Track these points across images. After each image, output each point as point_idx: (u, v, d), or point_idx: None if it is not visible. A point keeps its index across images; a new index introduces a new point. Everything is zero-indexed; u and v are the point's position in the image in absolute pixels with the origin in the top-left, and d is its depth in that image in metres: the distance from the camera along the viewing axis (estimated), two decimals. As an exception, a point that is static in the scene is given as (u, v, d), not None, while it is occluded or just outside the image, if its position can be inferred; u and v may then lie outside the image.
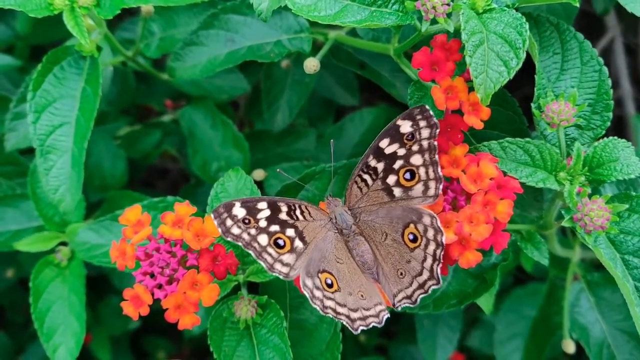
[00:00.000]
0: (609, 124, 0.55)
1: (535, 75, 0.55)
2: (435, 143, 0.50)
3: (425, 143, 0.50)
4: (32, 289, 0.70)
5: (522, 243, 0.59)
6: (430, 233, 0.49)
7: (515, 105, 0.58)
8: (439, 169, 0.50)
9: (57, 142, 0.64)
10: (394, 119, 0.51)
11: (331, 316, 0.51)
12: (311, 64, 0.62)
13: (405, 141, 0.50)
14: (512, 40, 0.46)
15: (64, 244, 0.73)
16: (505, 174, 0.51)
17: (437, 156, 0.50)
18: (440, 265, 0.50)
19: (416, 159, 0.50)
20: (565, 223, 0.50)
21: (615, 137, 0.52)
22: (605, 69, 0.55)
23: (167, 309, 0.52)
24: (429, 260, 0.50)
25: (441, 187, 0.50)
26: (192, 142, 0.83)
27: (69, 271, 0.71)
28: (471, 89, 0.50)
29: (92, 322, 0.96)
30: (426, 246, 0.50)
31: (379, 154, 0.51)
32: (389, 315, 0.51)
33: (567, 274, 0.73)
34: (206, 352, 1.08)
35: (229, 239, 0.50)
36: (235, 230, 0.50)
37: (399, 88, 0.72)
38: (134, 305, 0.52)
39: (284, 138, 0.88)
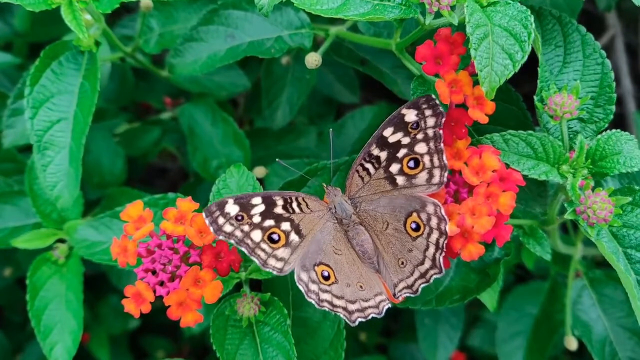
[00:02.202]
0: (611, 117, 0.55)
1: (538, 68, 0.55)
2: (441, 131, 0.49)
3: (430, 131, 0.49)
4: (29, 287, 0.70)
5: (525, 238, 0.59)
6: (434, 222, 0.49)
7: (519, 101, 0.58)
8: (444, 157, 0.49)
9: (54, 138, 0.64)
10: (397, 109, 0.50)
11: (327, 309, 0.50)
12: (312, 59, 0.61)
13: (410, 130, 0.50)
14: (517, 33, 0.45)
15: (61, 241, 0.73)
16: (507, 166, 0.51)
17: (442, 144, 0.50)
18: (443, 254, 0.49)
19: (421, 147, 0.50)
20: (568, 216, 0.50)
21: (618, 130, 0.52)
22: (607, 61, 0.55)
23: (169, 306, 0.51)
24: (432, 249, 0.50)
25: (446, 174, 0.50)
26: (192, 140, 0.83)
27: (66, 269, 0.71)
28: (476, 83, 0.50)
29: (90, 322, 0.96)
30: (429, 235, 0.50)
31: (383, 143, 0.51)
32: (389, 305, 0.51)
33: (569, 271, 0.73)
34: (205, 351, 1.08)
35: (220, 237, 0.50)
36: (228, 228, 0.49)
37: (401, 84, 0.72)
38: (135, 302, 0.51)
39: (284, 136, 0.88)
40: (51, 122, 0.64)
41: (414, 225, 0.50)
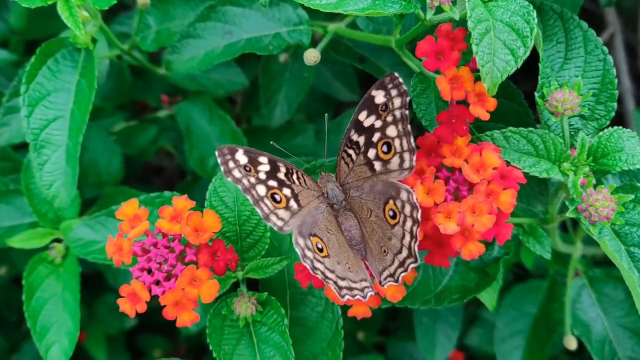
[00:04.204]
0: (613, 114, 0.54)
1: (539, 65, 0.55)
2: (407, 112, 0.49)
3: (398, 113, 0.49)
4: (25, 287, 0.69)
5: (524, 237, 0.58)
6: (407, 209, 0.49)
7: (521, 98, 0.58)
8: (412, 139, 0.49)
9: (51, 137, 0.63)
10: (369, 90, 0.50)
11: (320, 277, 0.50)
12: (311, 55, 0.61)
13: (380, 112, 0.49)
14: (519, 28, 0.45)
15: (58, 240, 0.72)
16: (508, 163, 0.50)
17: (409, 126, 0.49)
18: (417, 242, 0.49)
19: (391, 131, 0.49)
20: (569, 214, 0.50)
21: (620, 127, 0.51)
22: (609, 57, 0.54)
23: (164, 305, 0.50)
24: (407, 238, 0.49)
25: (415, 158, 0.49)
26: (189, 138, 0.82)
27: (63, 268, 0.70)
28: (477, 79, 0.49)
29: (87, 320, 0.95)
30: (404, 223, 0.49)
31: (360, 128, 0.50)
32: (372, 292, 0.50)
33: (568, 270, 0.72)
34: (202, 349, 1.07)
35: (229, 179, 0.50)
36: (237, 174, 0.50)
37: (400, 82, 0.71)
38: (130, 302, 0.51)
39: (282, 134, 0.87)
40: (47, 120, 0.63)
41: (391, 213, 0.50)
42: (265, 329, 0.55)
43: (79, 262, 0.71)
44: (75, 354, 0.67)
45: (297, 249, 0.50)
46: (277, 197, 0.50)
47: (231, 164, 0.50)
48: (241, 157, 0.50)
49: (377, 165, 0.50)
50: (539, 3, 0.56)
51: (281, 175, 0.51)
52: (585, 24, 0.55)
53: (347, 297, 0.50)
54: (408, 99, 0.48)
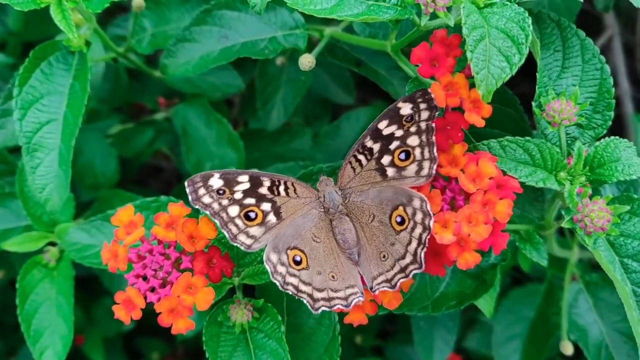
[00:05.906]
0: (610, 123, 0.54)
1: (536, 73, 0.55)
2: (433, 125, 0.49)
3: (423, 124, 0.50)
4: (19, 290, 0.69)
5: (521, 243, 0.58)
6: (419, 216, 0.49)
7: (517, 103, 0.57)
8: (435, 150, 0.49)
9: (44, 140, 0.63)
10: (394, 102, 0.50)
11: (291, 293, 0.50)
12: (306, 60, 0.60)
13: (404, 123, 0.50)
14: (514, 35, 0.45)
15: (53, 244, 0.72)
16: (504, 173, 0.50)
17: (434, 137, 0.50)
18: (425, 249, 0.49)
19: (413, 140, 0.50)
20: (565, 224, 0.50)
21: (617, 137, 0.51)
22: (607, 67, 0.54)
23: (160, 312, 0.50)
24: (414, 244, 0.49)
25: (435, 167, 0.50)
26: (186, 141, 0.82)
27: (57, 272, 0.70)
28: (472, 86, 0.49)
29: (85, 324, 0.95)
30: (413, 229, 0.49)
31: (377, 135, 0.51)
32: (361, 299, 0.50)
33: (565, 274, 0.72)
34: (200, 353, 1.07)
35: (197, 206, 0.50)
36: (206, 200, 0.50)
37: (397, 86, 0.71)
38: (125, 309, 0.51)
39: (279, 137, 0.87)
40: (40, 123, 0.63)
41: (399, 219, 0.50)
42: (261, 336, 0.55)
43: (74, 266, 0.70)
44: (73, 357, 0.67)
45: (267, 266, 0.50)
46: (252, 215, 0.50)
47: (201, 191, 0.50)
48: (215, 182, 0.50)
49: (391, 172, 0.51)
50: (537, 11, 0.55)
51: (263, 190, 0.51)
52: (582, 33, 0.55)
53: (323, 308, 0.50)
54: (437, 113, 0.49)
